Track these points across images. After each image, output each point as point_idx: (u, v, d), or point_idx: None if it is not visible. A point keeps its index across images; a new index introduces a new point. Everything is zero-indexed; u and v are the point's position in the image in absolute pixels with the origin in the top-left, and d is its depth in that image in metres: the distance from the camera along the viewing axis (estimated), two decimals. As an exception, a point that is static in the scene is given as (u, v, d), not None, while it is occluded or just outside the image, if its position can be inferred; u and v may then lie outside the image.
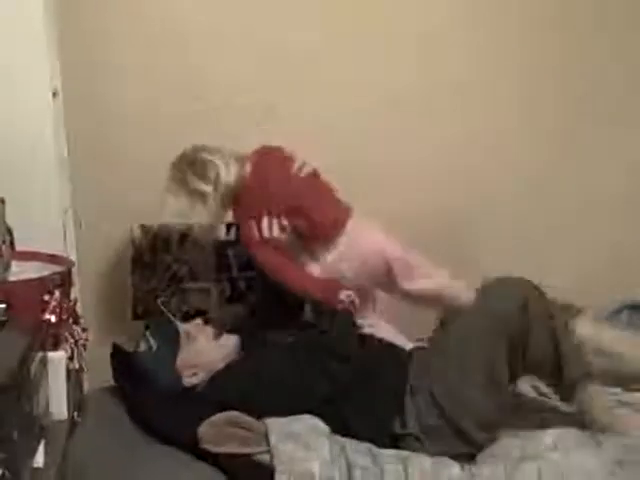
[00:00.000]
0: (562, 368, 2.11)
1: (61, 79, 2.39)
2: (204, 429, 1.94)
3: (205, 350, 2.21)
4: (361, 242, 2.38)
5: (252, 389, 2.08)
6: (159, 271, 2.71)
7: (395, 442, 2.09)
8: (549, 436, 2.08)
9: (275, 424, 1.93)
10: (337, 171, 2.62)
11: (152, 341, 2.17)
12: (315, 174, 2.42)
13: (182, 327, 2.23)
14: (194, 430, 1.93)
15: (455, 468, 1.97)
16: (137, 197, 2.64)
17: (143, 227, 2.69)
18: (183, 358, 2.19)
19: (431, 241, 2.64)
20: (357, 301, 2.34)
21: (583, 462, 1.98)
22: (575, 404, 2.17)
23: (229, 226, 2.74)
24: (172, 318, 2.23)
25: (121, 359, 2.23)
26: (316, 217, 2.35)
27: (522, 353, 2.10)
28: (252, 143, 2.43)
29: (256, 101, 2.71)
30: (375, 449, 2.01)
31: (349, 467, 1.92)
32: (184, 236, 2.72)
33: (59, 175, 2.28)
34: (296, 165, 2.40)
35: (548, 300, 2.16)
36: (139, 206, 2.65)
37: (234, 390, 2.08)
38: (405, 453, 2.02)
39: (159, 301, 2.31)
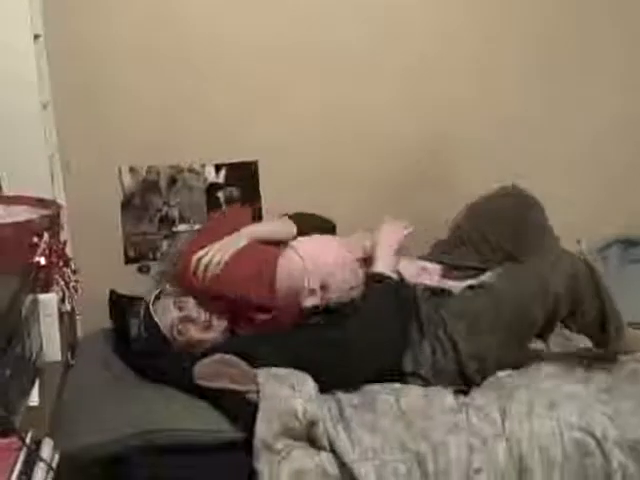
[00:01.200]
0: (606, 324, 2.12)
1: (43, 21, 2.35)
2: (199, 367, 1.98)
3: (196, 339, 2.18)
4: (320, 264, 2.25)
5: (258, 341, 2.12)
6: (149, 214, 2.71)
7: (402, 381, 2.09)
8: (541, 370, 2.12)
9: (263, 369, 1.97)
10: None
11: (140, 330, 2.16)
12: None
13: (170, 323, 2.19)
14: (189, 370, 1.97)
15: (448, 397, 2.00)
16: (125, 139, 2.62)
17: (131, 169, 2.68)
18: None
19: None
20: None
21: (573, 390, 2.02)
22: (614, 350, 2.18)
23: (218, 167, 2.74)
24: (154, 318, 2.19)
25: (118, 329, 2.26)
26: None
27: (567, 320, 2.15)
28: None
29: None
30: (367, 387, 2.04)
31: (340, 406, 1.95)
32: (173, 178, 2.71)
33: (44, 119, 2.26)
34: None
35: (596, 272, 2.15)
36: (127, 148, 2.63)
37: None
38: (398, 385, 2.05)
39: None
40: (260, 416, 1.84)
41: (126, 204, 2.69)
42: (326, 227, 2.47)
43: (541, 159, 2.92)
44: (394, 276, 2.22)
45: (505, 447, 1.86)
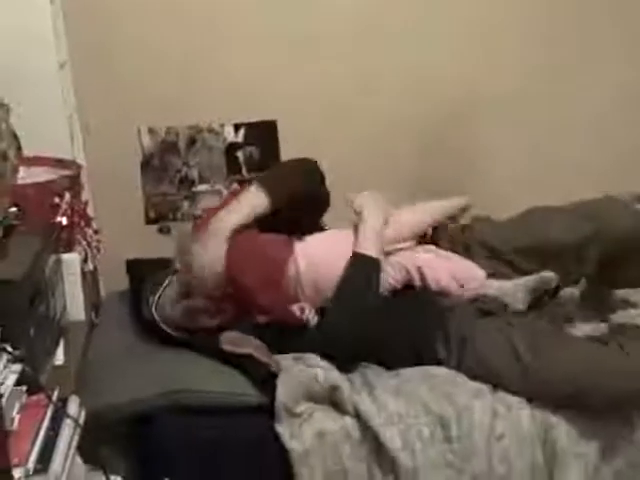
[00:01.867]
0: None
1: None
2: (225, 334, 1.97)
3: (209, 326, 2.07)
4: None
5: None
6: (169, 175, 2.70)
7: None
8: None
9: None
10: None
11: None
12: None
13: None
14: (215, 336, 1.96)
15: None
16: (143, 99, 2.60)
17: (150, 130, 2.66)
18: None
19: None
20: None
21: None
22: None
23: (237, 127, 2.72)
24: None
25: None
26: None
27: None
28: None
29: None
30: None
31: (363, 372, 1.95)
32: (192, 139, 2.70)
33: (61, 79, 2.25)
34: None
35: None
36: (145, 109, 2.62)
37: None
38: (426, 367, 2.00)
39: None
40: (281, 380, 1.84)
41: (145, 165, 2.69)
42: (309, 179, 2.15)
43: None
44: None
45: (529, 414, 1.84)
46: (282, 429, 1.80)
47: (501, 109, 2.86)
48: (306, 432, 1.80)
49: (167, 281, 2.07)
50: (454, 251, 2.13)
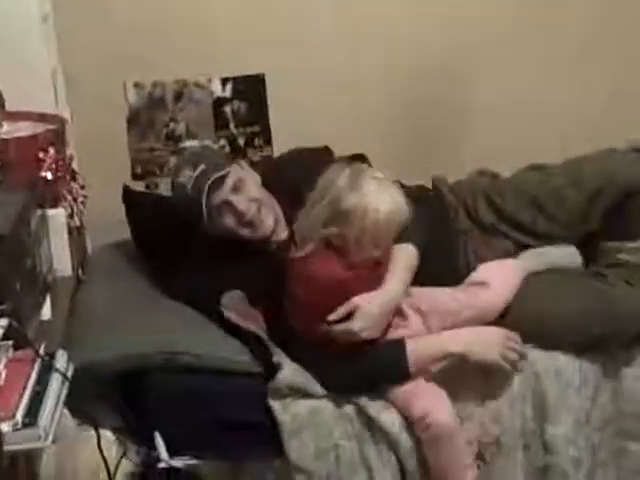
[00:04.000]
0: None
1: None
2: (228, 300, 1.93)
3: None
4: None
5: None
6: (156, 130, 2.67)
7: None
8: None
9: None
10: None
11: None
12: None
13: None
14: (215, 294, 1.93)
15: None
16: (129, 53, 2.55)
17: (136, 84, 2.63)
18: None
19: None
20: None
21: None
22: None
23: (225, 81, 2.68)
24: None
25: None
26: None
27: None
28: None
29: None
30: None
31: None
32: (179, 93, 2.66)
33: (45, 33, 2.20)
34: None
35: None
36: (131, 63, 2.57)
37: None
38: None
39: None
40: (287, 364, 1.81)
41: (132, 120, 2.65)
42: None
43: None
44: None
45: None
46: (274, 403, 1.80)
47: (493, 58, 2.82)
48: (299, 407, 1.80)
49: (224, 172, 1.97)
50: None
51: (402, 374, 1.77)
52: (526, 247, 2.07)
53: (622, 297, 1.86)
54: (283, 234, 2.03)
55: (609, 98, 2.91)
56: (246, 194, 1.98)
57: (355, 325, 1.74)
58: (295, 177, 2.06)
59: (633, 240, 2.09)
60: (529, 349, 1.84)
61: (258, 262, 1.96)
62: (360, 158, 2.24)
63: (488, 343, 1.77)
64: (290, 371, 1.80)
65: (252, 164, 2.64)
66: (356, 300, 1.75)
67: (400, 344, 1.77)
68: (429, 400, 1.75)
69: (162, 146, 2.69)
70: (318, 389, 1.81)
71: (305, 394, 1.80)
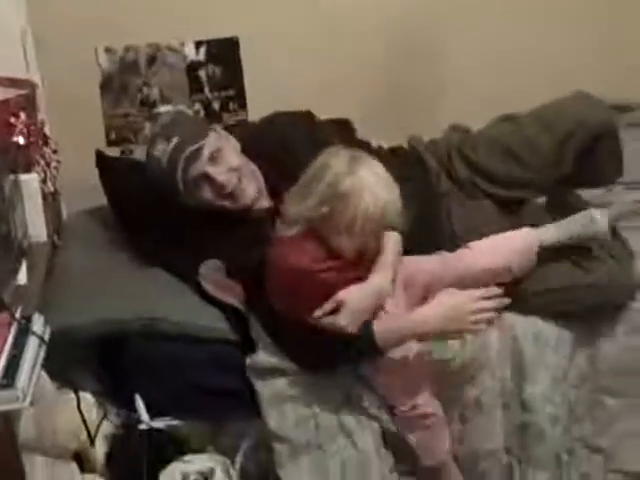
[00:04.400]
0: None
1: None
2: (206, 270, 1.92)
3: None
4: None
5: None
6: (129, 95, 2.64)
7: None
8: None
9: None
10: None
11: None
12: None
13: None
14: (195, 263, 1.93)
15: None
16: (100, 16, 2.50)
17: (108, 49, 2.59)
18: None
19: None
20: None
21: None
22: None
23: (198, 45, 2.65)
24: None
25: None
26: None
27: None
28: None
29: None
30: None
31: None
32: (152, 57, 2.63)
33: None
34: None
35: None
36: (102, 27, 2.53)
37: None
38: None
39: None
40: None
41: (104, 86, 2.62)
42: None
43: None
44: None
45: (497, 335, 1.86)
46: (253, 373, 1.81)
47: (467, 17, 2.81)
48: (277, 382, 1.80)
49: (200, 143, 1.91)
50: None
51: (372, 352, 1.74)
52: (504, 204, 2.08)
53: (606, 272, 1.87)
54: (265, 202, 2.00)
55: (594, 52, 2.92)
56: (225, 164, 1.92)
57: (341, 320, 1.71)
58: (277, 142, 2.03)
59: (605, 184, 2.13)
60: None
61: (239, 233, 1.94)
62: (344, 123, 2.23)
63: (458, 315, 1.72)
64: (266, 351, 1.80)
65: (228, 128, 2.66)
66: (341, 295, 1.72)
67: (368, 328, 1.72)
68: (415, 392, 1.76)
69: (136, 112, 2.66)
70: (294, 367, 1.80)
71: (282, 372, 1.81)
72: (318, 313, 1.71)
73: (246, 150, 2.02)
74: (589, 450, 1.92)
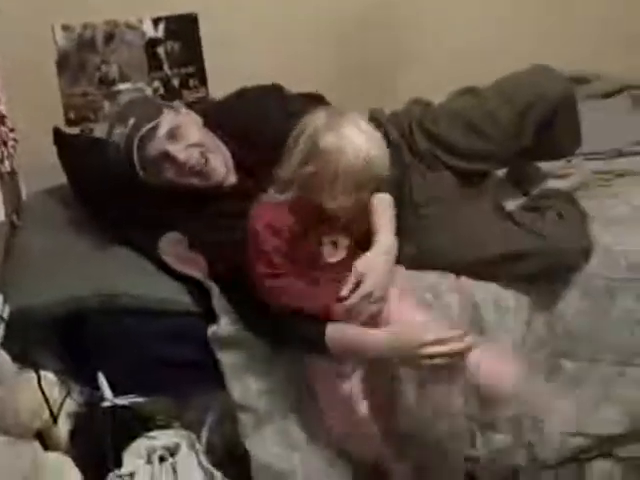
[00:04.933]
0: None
1: None
2: (165, 244, 1.91)
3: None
4: None
5: None
6: (87, 74, 2.60)
7: None
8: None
9: None
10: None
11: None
12: None
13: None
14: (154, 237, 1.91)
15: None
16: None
17: (65, 27, 2.55)
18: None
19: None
20: None
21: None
22: None
23: (156, 22, 2.62)
24: None
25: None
26: None
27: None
28: None
29: None
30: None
31: None
32: (110, 35, 2.60)
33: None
34: None
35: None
36: (59, 4, 2.49)
37: None
38: None
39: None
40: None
41: (62, 64, 2.57)
42: None
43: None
44: None
45: (458, 299, 1.86)
46: (216, 344, 1.80)
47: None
48: (239, 354, 1.80)
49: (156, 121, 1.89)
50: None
51: (319, 350, 1.68)
52: (465, 176, 2.09)
53: (555, 233, 1.88)
54: (232, 178, 1.97)
55: (544, 27, 2.94)
56: (185, 141, 1.89)
57: (367, 287, 1.65)
58: (248, 114, 2.01)
59: (564, 156, 2.16)
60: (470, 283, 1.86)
61: (203, 209, 1.92)
62: (316, 97, 2.21)
63: (409, 355, 1.65)
64: (228, 322, 1.80)
65: (189, 106, 2.65)
66: (358, 266, 1.66)
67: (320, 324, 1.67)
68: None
69: (95, 90, 2.63)
70: (255, 339, 1.80)
71: (244, 343, 1.80)
72: (344, 292, 1.65)
73: (213, 126, 2.00)
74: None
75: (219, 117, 2.04)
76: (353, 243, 1.70)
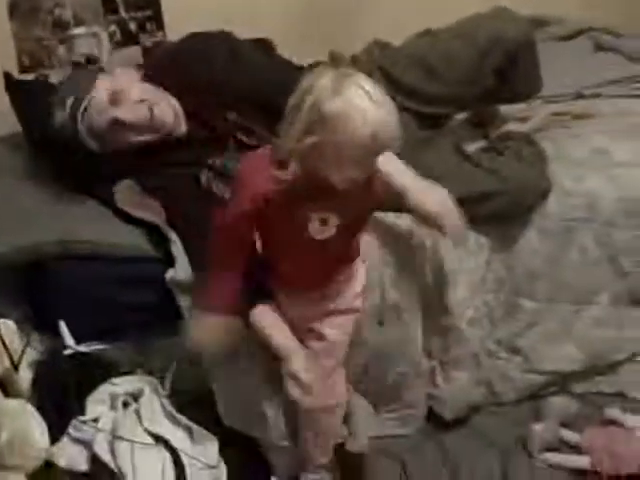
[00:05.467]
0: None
1: None
2: (120, 192, 1.90)
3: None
4: None
5: None
6: (40, 17, 2.53)
7: None
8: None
9: None
10: None
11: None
12: None
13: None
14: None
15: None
16: None
17: (14, -31, 2.47)
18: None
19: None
20: None
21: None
22: None
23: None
24: None
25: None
26: None
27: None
28: None
29: None
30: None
31: None
32: (63, -24, 2.52)
33: None
34: None
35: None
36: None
37: None
38: None
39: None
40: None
41: (14, 7, 2.49)
42: None
43: None
44: None
45: (418, 241, 1.87)
46: (174, 288, 1.78)
47: None
48: None
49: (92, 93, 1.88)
50: None
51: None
52: (425, 119, 2.08)
53: (513, 174, 1.90)
54: (182, 127, 1.95)
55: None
56: (128, 101, 1.87)
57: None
58: (190, 62, 1.97)
59: (524, 99, 2.16)
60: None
61: (157, 158, 1.91)
62: (264, 41, 2.19)
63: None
64: (185, 266, 1.78)
65: (146, 50, 2.60)
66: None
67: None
68: None
69: (49, 35, 2.56)
70: None
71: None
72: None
73: (163, 73, 1.97)
74: (508, 351, 1.99)
75: (169, 64, 2.02)
76: (346, 223, 1.56)
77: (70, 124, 1.86)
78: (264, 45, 2.18)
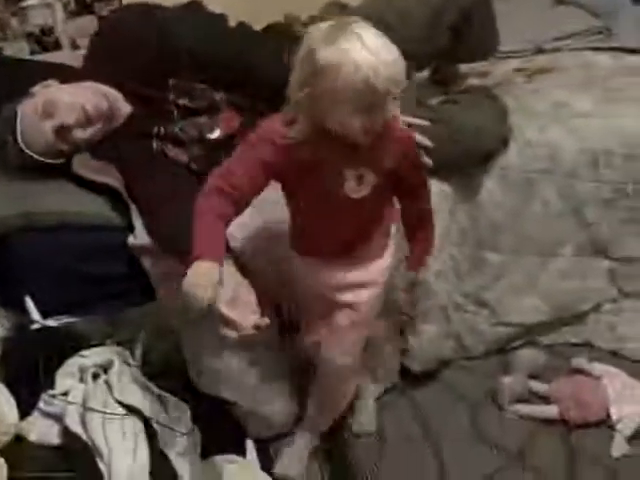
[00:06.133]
0: None
1: None
2: (77, 161, 1.88)
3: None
4: None
5: None
6: (-8, -13, 2.48)
7: None
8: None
9: None
10: None
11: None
12: None
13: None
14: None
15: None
16: None
17: (-38, -63, 2.41)
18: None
19: None
20: None
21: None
22: None
23: None
24: None
25: None
26: None
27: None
28: None
29: None
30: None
31: None
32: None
33: None
34: None
35: None
36: None
37: None
38: None
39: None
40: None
41: (-38, -21, 2.45)
42: None
43: None
44: None
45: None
46: (137, 253, 1.77)
47: None
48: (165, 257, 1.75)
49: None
50: None
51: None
52: None
53: (472, 118, 1.89)
54: (125, 109, 1.92)
55: None
56: (61, 106, 1.84)
57: None
58: (123, 38, 1.92)
59: (483, 57, 2.15)
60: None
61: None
62: (194, 3, 2.14)
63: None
64: (143, 230, 1.76)
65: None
66: None
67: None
68: None
69: (2, 7, 2.50)
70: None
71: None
72: None
73: (95, 59, 1.97)
74: (475, 305, 2.01)
75: (99, 51, 1.98)
76: (381, 181, 1.53)
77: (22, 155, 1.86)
78: (193, 5, 2.14)
